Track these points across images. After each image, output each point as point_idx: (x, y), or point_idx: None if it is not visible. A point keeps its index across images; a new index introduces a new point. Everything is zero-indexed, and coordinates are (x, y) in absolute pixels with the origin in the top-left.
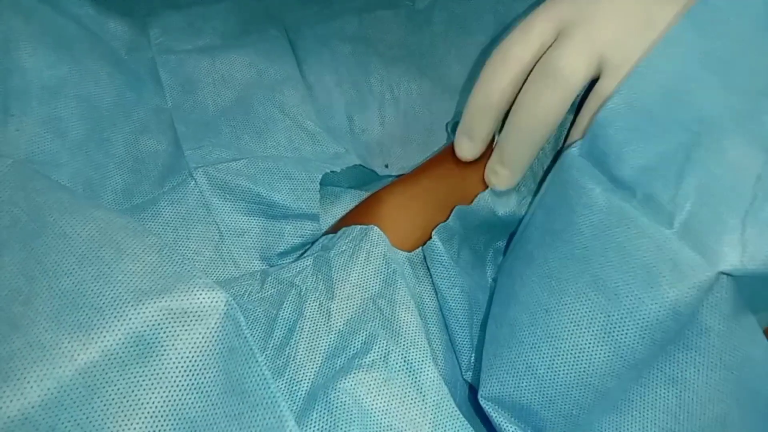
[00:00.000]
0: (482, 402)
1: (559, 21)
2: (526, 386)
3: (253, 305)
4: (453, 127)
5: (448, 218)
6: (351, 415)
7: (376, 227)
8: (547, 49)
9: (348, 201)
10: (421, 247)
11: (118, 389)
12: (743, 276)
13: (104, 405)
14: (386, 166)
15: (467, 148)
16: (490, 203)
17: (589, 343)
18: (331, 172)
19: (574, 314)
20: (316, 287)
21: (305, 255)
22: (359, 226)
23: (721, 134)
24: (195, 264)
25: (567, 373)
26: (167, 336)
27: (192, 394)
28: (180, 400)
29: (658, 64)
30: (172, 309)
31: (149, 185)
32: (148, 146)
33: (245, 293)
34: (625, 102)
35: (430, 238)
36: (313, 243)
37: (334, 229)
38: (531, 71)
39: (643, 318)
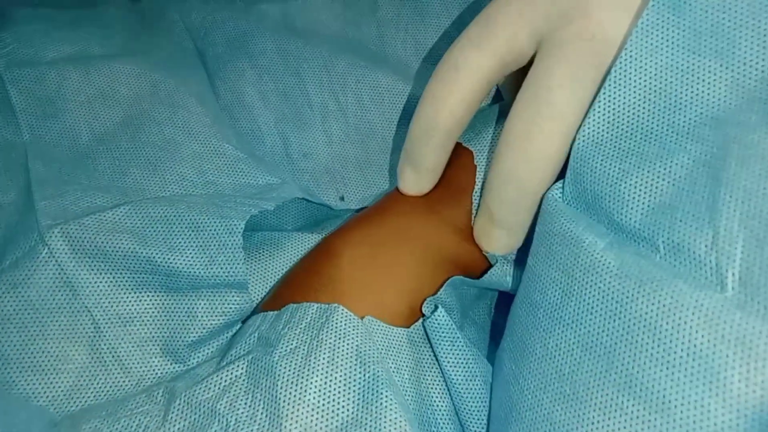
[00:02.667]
0: None
1: (535, 20)
2: None
3: None
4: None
5: (432, 274)
6: None
7: (341, 307)
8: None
9: (294, 250)
10: (420, 323)
11: None
12: None
13: None
14: (342, 199)
15: (411, 181)
16: (503, 279)
17: None
18: (260, 213)
19: None
20: (252, 418)
21: (232, 350)
22: (315, 306)
23: (746, 133)
24: (60, 377)
25: None
26: None
27: None
28: None
29: (638, 62)
30: None
31: None
32: None
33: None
34: (606, 120)
35: (421, 306)
36: (242, 324)
37: (275, 301)
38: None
39: None
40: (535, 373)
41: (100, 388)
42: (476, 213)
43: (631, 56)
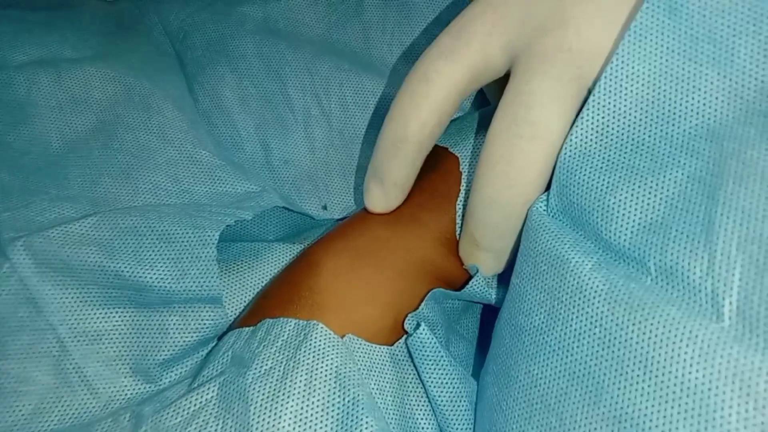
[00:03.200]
0: None
1: (509, 32)
2: None
3: None
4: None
5: (415, 287)
6: None
7: (320, 325)
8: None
9: (275, 262)
10: (404, 340)
11: None
12: None
13: None
14: (324, 208)
15: (377, 197)
16: (486, 291)
17: None
18: (239, 222)
19: None
20: None
21: (204, 371)
22: (293, 322)
23: (744, 149)
24: (21, 400)
25: None
26: None
27: None
28: None
29: (630, 68)
30: None
31: None
32: None
33: None
34: (595, 129)
35: (403, 321)
36: (218, 341)
37: (252, 316)
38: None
39: None
40: (520, 402)
41: (65, 410)
42: (460, 233)
43: (623, 61)
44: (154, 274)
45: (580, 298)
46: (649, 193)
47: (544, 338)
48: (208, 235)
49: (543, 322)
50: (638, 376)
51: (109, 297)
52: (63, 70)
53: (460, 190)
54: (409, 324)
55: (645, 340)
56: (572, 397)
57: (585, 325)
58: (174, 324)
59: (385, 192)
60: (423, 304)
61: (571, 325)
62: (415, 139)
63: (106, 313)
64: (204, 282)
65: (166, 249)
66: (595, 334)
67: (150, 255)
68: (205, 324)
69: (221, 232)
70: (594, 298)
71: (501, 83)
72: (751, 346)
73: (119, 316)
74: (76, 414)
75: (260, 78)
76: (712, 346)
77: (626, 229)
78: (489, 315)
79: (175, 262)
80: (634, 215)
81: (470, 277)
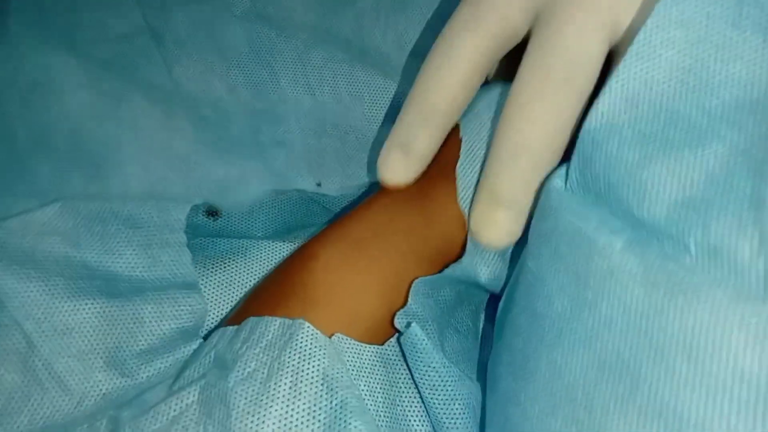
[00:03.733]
0: None
1: None
2: None
3: None
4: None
5: (418, 269)
6: None
7: (306, 324)
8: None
9: (263, 260)
10: (396, 338)
11: None
12: None
13: None
14: (318, 185)
15: (400, 167)
16: (470, 269)
17: None
18: (225, 218)
19: None
20: None
21: (185, 372)
22: (278, 321)
23: None
24: None
25: None
26: None
27: None
28: None
29: (666, 33)
30: None
31: None
32: None
33: None
34: (625, 98)
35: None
36: (202, 341)
37: (240, 316)
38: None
39: None
40: (541, 395)
41: (35, 409)
42: (472, 200)
43: (657, 25)
44: (123, 262)
45: (611, 283)
46: (687, 167)
47: (568, 325)
48: (174, 219)
49: (567, 309)
50: (681, 365)
51: (76, 288)
52: (27, 57)
53: (459, 155)
54: (399, 322)
55: (688, 327)
56: (603, 388)
57: (617, 311)
58: (149, 313)
59: (408, 163)
60: (410, 298)
61: (600, 311)
62: (444, 110)
63: (74, 305)
64: (176, 268)
65: (133, 235)
66: (629, 320)
67: (116, 243)
68: (181, 311)
69: (208, 228)
70: (627, 280)
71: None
72: None
73: (89, 308)
74: (47, 413)
75: (250, 68)
76: (763, 328)
77: (662, 204)
78: (493, 307)
79: (144, 248)
80: (671, 190)
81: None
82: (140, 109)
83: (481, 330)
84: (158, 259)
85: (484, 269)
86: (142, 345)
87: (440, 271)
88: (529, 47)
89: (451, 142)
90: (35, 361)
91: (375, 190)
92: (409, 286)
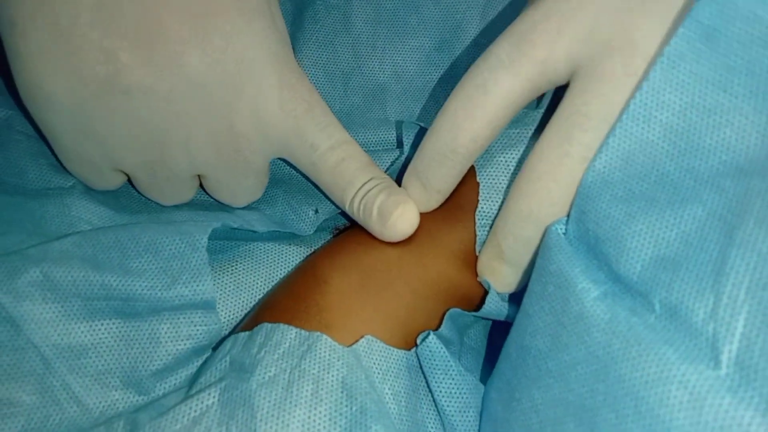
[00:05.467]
0: None
1: (575, 43)
2: None
3: None
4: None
5: (426, 306)
6: None
7: (324, 336)
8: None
9: (272, 264)
10: (414, 350)
11: None
12: None
13: None
14: (316, 212)
15: (417, 197)
16: (501, 305)
17: None
18: (222, 225)
19: None
20: None
21: (202, 377)
22: (294, 330)
23: None
24: (7, 424)
25: None
26: None
27: None
28: None
29: (661, 97)
30: None
31: None
32: None
33: None
34: (620, 157)
35: (415, 339)
36: (213, 350)
37: (251, 323)
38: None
39: None
40: (521, 425)
41: (54, 429)
42: (482, 247)
43: (653, 89)
44: (143, 283)
45: (581, 326)
46: (665, 227)
47: (546, 363)
48: (197, 239)
49: (546, 346)
50: (629, 413)
51: (93, 309)
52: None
53: (477, 200)
54: (422, 338)
55: (638, 378)
56: (568, 426)
57: (582, 355)
58: (165, 332)
59: (427, 195)
60: (443, 325)
61: (570, 353)
62: (466, 151)
63: (91, 326)
64: (196, 287)
65: (154, 258)
66: (591, 364)
67: (137, 265)
68: (197, 330)
69: (215, 232)
70: (593, 327)
71: None
72: (744, 399)
73: (105, 328)
74: (66, 431)
75: None
76: (703, 393)
77: (637, 262)
78: (496, 325)
79: (164, 270)
80: (647, 249)
81: (485, 293)
82: None
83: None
84: (178, 278)
85: (506, 306)
86: (158, 365)
87: (463, 303)
88: (559, 110)
89: (465, 183)
90: (53, 382)
91: None
92: (419, 318)
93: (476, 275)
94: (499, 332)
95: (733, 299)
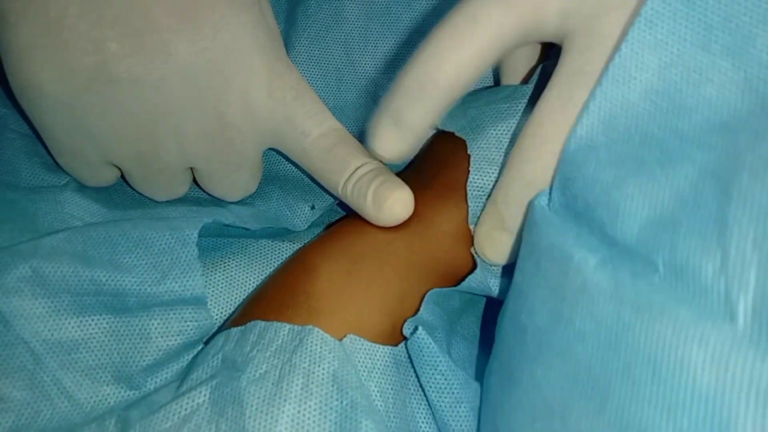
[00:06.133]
0: None
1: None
2: None
3: None
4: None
5: (419, 290)
6: None
7: (316, 329)
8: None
9: (264, 260)
10: (402, 344)
11: None
12: None
13: None
14: (312, 208)
15: (388, 139)
16: (484, 282)
17: None
18: (213, 221)
19: None
20: None
21: (193, 374)
22: (287, 327)
23: (761, 143)
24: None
25: None
26: None
27: None
28: None
29: (640, 57)
30: None
31: None
32: None
33: None
34: (602, 121)
35: (409, 330)
36: (203, 345)
37: (243, 319)
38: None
39: None
40: (523, 405)
41: (45, 424)
42: (476, 220)
43: (632, 50)
44: (133, 278)
45: (584, 297)
46: (658, 187)
47: (547, 339)
48: (187, 235)
49: (546, 322)
50: (646, 381)
51: (83, 305)
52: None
53: (469, 172)
54: (408, 329)
55: (653, 343)
56: (576, 402)
57: (589, 326)
58: (155, 328)
59: (400, 135)
60: (422, 307)
61: (574, 326)
62: (447, 83)
63: (80, 321)
64: (186, 282)
65: (144, 253)
66: (600, 335)
67: (127, 260)
68: (188, 326)
69: (203, 227)
70: (598, 296)
71: (517, 60)
72: (763, 348)
73: (95, 324)
74: (56, 426)
75: None
76: (725, 350)
77: (633, 224)
78: (490, 312)
79: (154, 266)
80: (642, 210)
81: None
82: None
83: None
84: (168, 273)
85: (495, 281)
86: (149, 360)
87: (455, 284)
88: (558, 72)
89: (451, 162)
90: (43, 377)
91: None
92: (409, 304)
93: (468, 252)
94: (493, 321)
95: (741, 252)
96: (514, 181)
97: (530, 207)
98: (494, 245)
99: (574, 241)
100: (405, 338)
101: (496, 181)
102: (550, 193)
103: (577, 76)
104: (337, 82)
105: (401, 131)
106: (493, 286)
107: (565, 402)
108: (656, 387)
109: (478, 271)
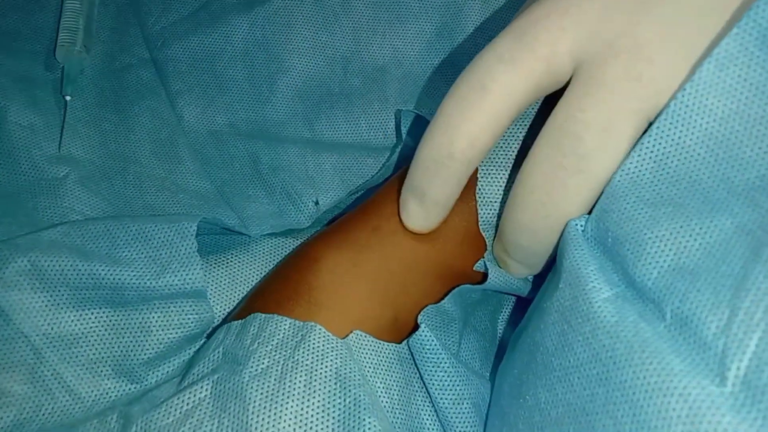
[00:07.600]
0: None
1: (580, 38)
2: None
3: None
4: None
5: (422, 282)
6: None
7: (318, 326)
8: (563, 85)
9: (267, 256)
10: (406, 342)
11: None
12: None
13: None
14: (316, 203)
15: (415, 214)
16: (502, 279)
17: None
18: (213, 220)
19: None
20: None
21: (194, 368)
22: (288, 321)
23: None
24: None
25: None
26: None
27: None
28: None
29: (704, 100)
30: None
31: None
32: None
33: None
34: (653, 159)
35: (415, 317)
36: (205, 340)
37: (245, 313)
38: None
39: None
40: (525, 422)
41: (46, 418)
42: (484, 226)
43: (697, 91)
44: (132, 272)
45: (587, 327)
46: (690, 235)
47: (552, 361)
48: (186, 227)
49: (554, 344)
50: (626, 422)
51: (82, 298)
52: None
53: (477, 179)
54: (422, 318)
55: (638, 386)
56: (566, 429)
57: (586, 357)
58: (156, 321)
59: (426, 210)
60: (447, 297)
61: (575, 353)
62: (463, 156)
63: (80, 315)
64: (186, 275)
65: (143, 247)
66: (594, 367)
67: (126, 254)
68: (188, 319)
69: (208, 225)
70: (599, 329)
71: None
72: (747, 419)
73: (95, 317)
74: (58, 420)
75: (251, 103)
76: (703, 409)
77: (654, 268)
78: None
79: (153, 259)
80: (667, 256)
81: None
82: (146, 171)
83: (500, 331)
84: (168, 267)
85: (520, 280)
86: (149, 353)
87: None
88: (553, 117)
89: None
90: (44, 371)
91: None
92: (412, 296)
93: (476, 253)
94: (522, 312)
95: (749, 316)
96: (508, 223)
97: (567, 225)
98: (505, 267)
99: (594, 271)
100: (411, 329)
101: (504, 185)
102: (586, 221)
103: (568, 123)
104: (344, 69)
105: (426, 207)
106: (519, 284)
107: (558, 427)
108: (635, 430)
109: (497, 270)
